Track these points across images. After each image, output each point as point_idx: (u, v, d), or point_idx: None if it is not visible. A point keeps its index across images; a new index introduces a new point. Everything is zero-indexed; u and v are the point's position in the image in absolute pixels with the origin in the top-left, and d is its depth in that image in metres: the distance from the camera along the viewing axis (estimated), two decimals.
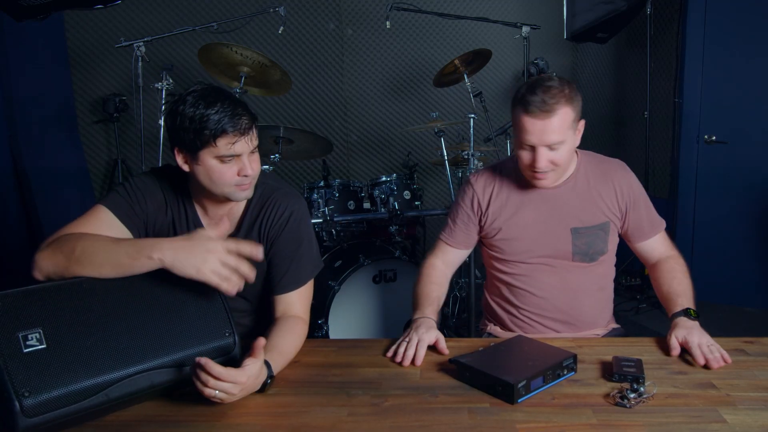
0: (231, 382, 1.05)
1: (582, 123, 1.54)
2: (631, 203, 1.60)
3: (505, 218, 1.63)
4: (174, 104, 1.29)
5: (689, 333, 1.34)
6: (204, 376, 1.04)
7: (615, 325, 1.70)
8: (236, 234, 1.44)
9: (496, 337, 1.71)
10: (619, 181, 1.60)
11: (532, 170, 1.51)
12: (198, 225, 1.44)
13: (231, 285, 1.14)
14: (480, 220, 1.67)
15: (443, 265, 1.71)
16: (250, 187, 1.36)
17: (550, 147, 1.47)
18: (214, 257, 1.14)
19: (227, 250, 1.16)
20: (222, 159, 1.28)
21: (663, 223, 1.65)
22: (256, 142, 1.33)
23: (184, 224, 1.44)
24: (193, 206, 1.44)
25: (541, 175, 1.52)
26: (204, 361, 1.03)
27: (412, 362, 1.31)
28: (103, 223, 1.32)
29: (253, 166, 1.32)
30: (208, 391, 1.05)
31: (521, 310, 1.65)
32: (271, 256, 1.44)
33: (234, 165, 1.30)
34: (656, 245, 1.64)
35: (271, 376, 1.16)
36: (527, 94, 1.45)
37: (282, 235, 1.43)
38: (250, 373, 1.09)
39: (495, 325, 1.75)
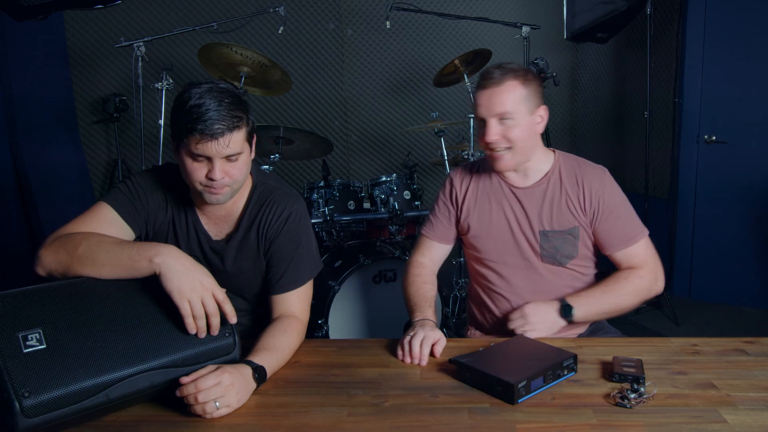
0: (212, 375, 1.06)
1: (543, 109, 1.54)
2: (600, 214, 1.54)
3: (476, 216, 1.64)
4: (182, 90, 1.29)
5: (529, 307, 1.48)
6: (189, 388, 1.05)
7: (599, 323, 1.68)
8: (235, 233, 1.44)
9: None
10: (590, 189, 1.55)
11: (488, 148, 1.53)
12: (197, 224, 1.44)
13: (194, 325, 1.12)
14: (457, 213, 1.68)
15: (430, 262, 1.71)
16: (224, 193, 1.32)
17: (500, 119, 1.49)
18: (200, 291, 1.13)
19: (214, 294, 1.15)
20: (193, 157, 1.27)
21: (639, 236, 1.55)
22: (234, 150, 1.27)
23: (183, 223, 1.44)
24: (192, 206, 1.43)
25: (497, 154, 1.52)
26: (178, 393, 1.06)
27: (422, 363, 1.30)
28: (105, 220, 1.32)
29: (229, 172, 1.29)
30: (209, 407, 1.05)
31: (496, 314, 1.65)
32: (269, 256, 1.44)
33: (204, 166, 1.28)
34: (626, 258, 1.56)
35: (255, 366, 1.15)
36: (485, 72, 1.52)
37: (280, 235, 1.42)
38: (211, 367, 1.10)
39: (476, 330, 1.76)
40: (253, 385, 1.14)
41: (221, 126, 1.23)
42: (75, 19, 3.83)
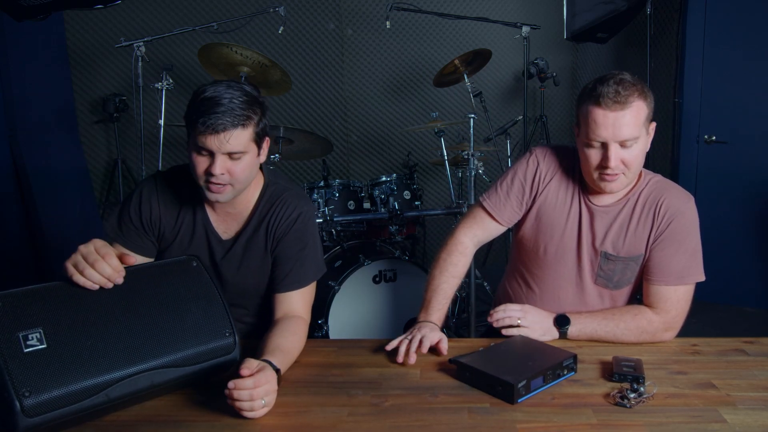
0: (264, 374, 1.06)
1: (653, 126, 1.41)
2: (663, 239, 1.42)
3: (546, 212, 1.52)
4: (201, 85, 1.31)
5: (529, 306, 1.43)
6: (247, 383, 1.03)
7: None
8: (244, 230, 1.45)
9: (496, 331, 1.70)
10: (666, 211, 1.42)
11: (601, 171, 1.38)
12: (206, 223, 1.45)
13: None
14: (532, 199, 1.53)
15: (472, 244, 1.57)
16: (225, 192, 1.32)
17: (623, 144, 1.35)
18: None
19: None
20: (197, 149, 1.28)
21: (687, 279, 1.43)
22: (235, 148, 1.27)
23: (191, 222, 1.45)
24: (202, 204, 1.45)
25: (611, 177, 1.38)
26: (234, 388, 1.04)
27: (410, 361, 1.30)
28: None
29: (231, 170, 1.29)
30: (257, 404, 1.04)
31: None
32: (276, 255, 1.45)
33: (207, 160, 1.29)
34: (656, 294, 1.43)
35: (277, 369, 1.15)
36: (598, 85, 1.34)
37: (289, 235, 1.43)
38: (252, 363, 1.08)
39: None
40: (276, 384, 1.14)
41: (225, 121, 1.25)
42: (75, 19, 3.83)
